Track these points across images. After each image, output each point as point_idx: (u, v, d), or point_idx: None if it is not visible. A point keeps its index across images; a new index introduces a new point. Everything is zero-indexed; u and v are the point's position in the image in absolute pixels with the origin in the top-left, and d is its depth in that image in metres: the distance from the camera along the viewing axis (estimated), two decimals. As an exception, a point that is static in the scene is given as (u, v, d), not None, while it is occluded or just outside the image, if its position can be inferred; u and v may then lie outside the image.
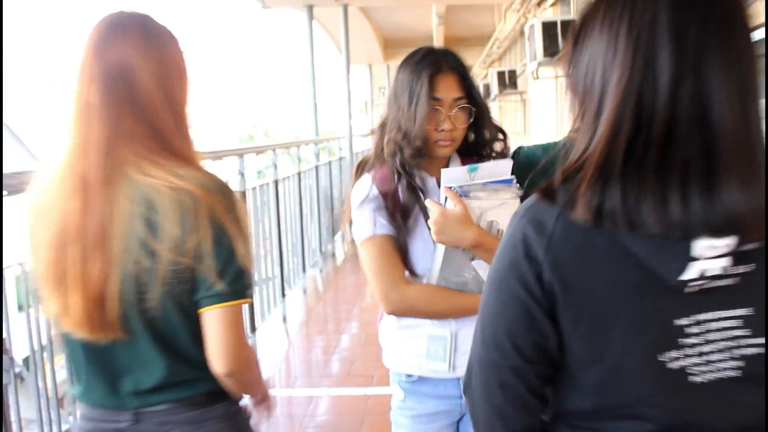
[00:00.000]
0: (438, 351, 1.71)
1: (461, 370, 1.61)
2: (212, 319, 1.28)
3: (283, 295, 5.93)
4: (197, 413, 1.36)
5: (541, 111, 11.50)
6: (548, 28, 7.15)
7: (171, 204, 1.23)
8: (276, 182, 5.87)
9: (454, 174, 1.60)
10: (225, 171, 4.68)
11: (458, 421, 1.82)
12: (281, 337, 5.48)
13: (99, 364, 1.32)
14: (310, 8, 9.26)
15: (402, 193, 1.68)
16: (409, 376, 1.78)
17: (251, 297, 1.36)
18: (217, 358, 1.29)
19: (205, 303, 1.27)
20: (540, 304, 0.96)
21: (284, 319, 5.81)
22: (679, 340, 0.93)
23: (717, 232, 0.88)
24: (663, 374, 0.93)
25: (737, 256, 0.89)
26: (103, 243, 1.24)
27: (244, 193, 4.80)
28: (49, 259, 1.27)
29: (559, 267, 0.94)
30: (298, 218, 6.67)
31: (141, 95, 1.28)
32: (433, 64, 1.64)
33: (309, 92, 9.40)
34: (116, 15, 1.30)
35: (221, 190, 1.30)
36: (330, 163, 8.72)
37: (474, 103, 1.69)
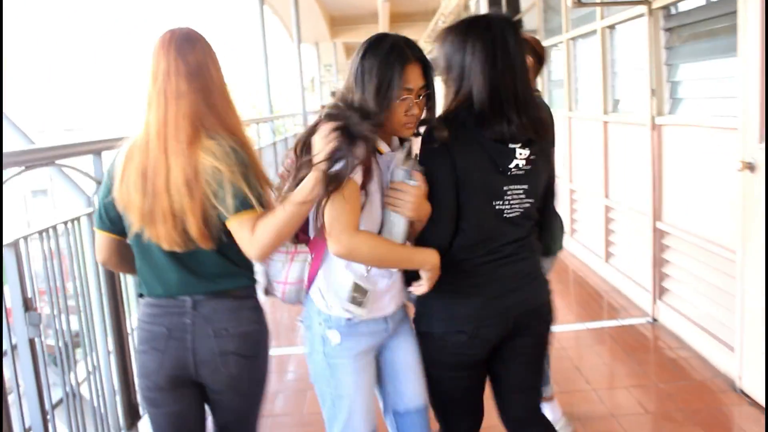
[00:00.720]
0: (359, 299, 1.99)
1: (390, 309, 2.07)
2: (232, 226, 1.86)
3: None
4: (236, 303, 2.01)
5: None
6: (494, 2, 7.43)
7: (219, 163, 1.84)
8: None
9: (400, 157, 1.99)
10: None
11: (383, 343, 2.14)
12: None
13: (173, 265, 1.95)
14: (262, -11, 9.45)
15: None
16: (349, 320, 1.99)
17: (256, 209, 1.86)
18: (246, 249, 1.87)
19: (226, 217, 1.86)
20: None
21: None
22: (503, 196, 1.99)
23: (523, 144, 1.96)
24: (494, 212, 2.00)
25: (528, 159, 1.97)
26: (188, 187, 1.82)
27: None
28: (138, 200, 1.87)
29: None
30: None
31: (210, 86, 1.91)
32: (403, 55, 1.91)
33: (262, 73, 9.60)
34: (184, 30, 1.93)
35: (237, 156, 1.87)
36: (286, 139, 8.96)
37: (432, 89, 1.99)
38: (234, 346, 1.99)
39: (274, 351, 4.38)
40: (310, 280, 2.02)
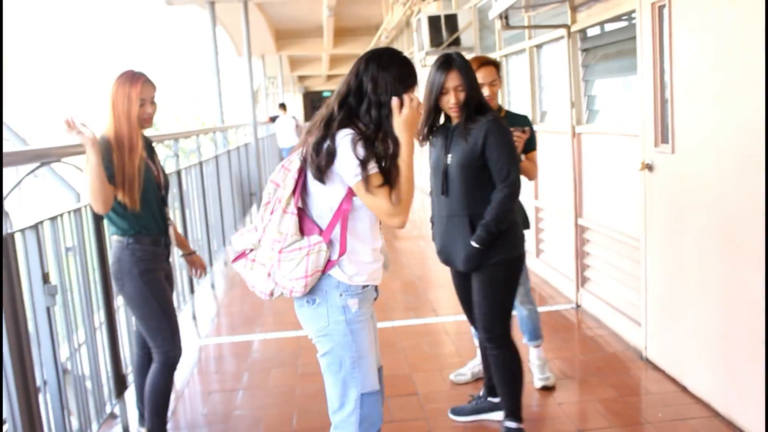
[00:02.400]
0: (380, 266, 2.40)
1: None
2: None
3: (211, 264, 6.51)
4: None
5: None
6: (433, 21, 7.90)
7: None
8: (201, 164, 6.45)
9: None
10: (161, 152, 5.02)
11: None
12: (211, 300, 6.18)
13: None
14: (212, 4, 9.80)
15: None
16: (365, 287, 2.31)
17: None
18: None
19: None
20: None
21: (212, 286, 6.51)
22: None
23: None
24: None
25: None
26: None
27: (179, 172, 5.40)
28: None
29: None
30: (218, 196, 7.29)
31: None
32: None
33: (214, 84, 9.96)
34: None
35: None
36: (238, 148, 9.33)
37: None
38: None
39: (238, 337, 4.88)
40: (333, 263, 2.25)
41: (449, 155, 3.01)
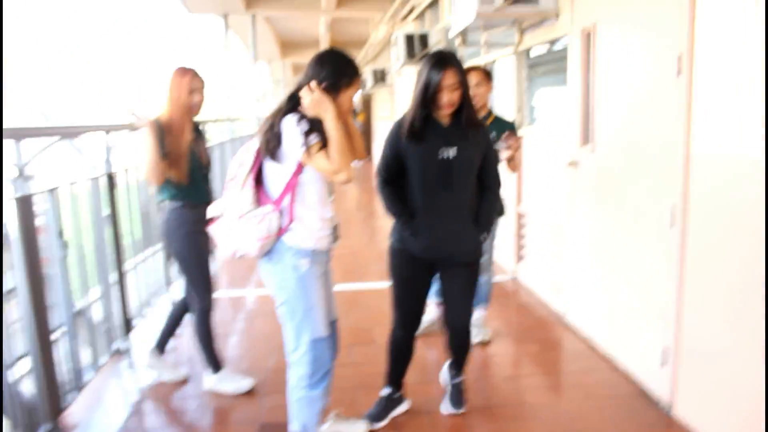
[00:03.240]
0: (329, 233, 2.41)
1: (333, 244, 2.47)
2: None
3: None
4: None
5: (402, 99, 12.36)
6: (408, 38, 7.89)
7: None
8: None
9: None
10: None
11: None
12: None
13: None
14: (226, 16, 9.71)
15: None
16: (314, 250, 2.32)
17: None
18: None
19: None
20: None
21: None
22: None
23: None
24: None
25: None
26: None
27: None
28: None
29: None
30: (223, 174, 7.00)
31: None
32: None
33: (225, 84, 9.88)
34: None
35: None
36: (241, 138, 9.27)
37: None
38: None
39: (234, 291, 4.87)
40: (285, 229, 2.27)
41: (450, 150, 2.51)
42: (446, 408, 2.97)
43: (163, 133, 2.90)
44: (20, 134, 2.37)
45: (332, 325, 2.55)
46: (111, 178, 3.40)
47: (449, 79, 2.43)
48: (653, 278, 3.01)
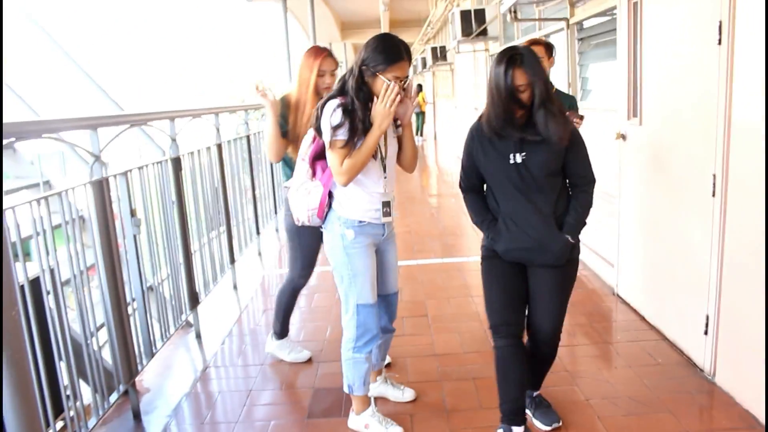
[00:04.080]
0: (379, 208, 2.52)
1: (385, 219, 2.53)
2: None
3: (258, 232, 5.94)
4: None
5: (462, 77, 12.36)
6: (464, 15, 7.94)
7: None
8: (248, 137, 5.80)
9: None
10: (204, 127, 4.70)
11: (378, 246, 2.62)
12: (275, 240, 6.39)
13: None
14: (285, 0, 9.97)
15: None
16: (360, 222, 2.48)
17: None
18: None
19: None
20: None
21: (276, 230, 6.65)
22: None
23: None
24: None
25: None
26: None
27: (220, 146, 4.75)
28: None
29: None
30: (268, 168, 6.53)
31: None
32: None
33: (285, 68, 10.15)
34: None
35: None
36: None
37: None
38: None
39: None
40: (325, 202, 2.48)
41: (519, 155, 2.36)
42: (539, 425, 2.70)
43: (287, 111, 3.01)
44: (95, 123, 2.65)
45: (389, 297, 2.75)
46: (177, 162, 3.67)
47: (518, 80, 2.25)
48: (696, 248, 3.06)
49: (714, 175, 2.85)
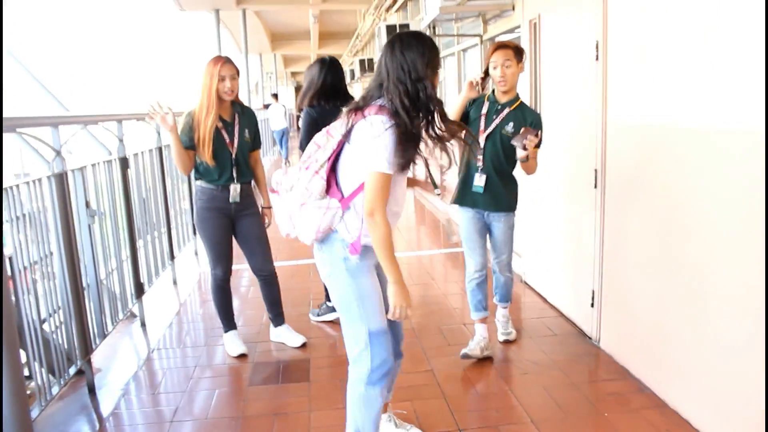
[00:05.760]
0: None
1: None
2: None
3: (195, 233, 6.01)
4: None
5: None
6: (390, 29, 8.43)
7: None
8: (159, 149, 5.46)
9: None
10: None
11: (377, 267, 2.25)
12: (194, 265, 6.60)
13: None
14: (218, 11, 10.26)
15: None
16: (365, 246, 2.12)
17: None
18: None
19: None
20: None
21: (196, 253, 6.29)
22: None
23: None
24: None
25: None
26: None
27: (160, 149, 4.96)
28: None
29: None
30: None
31: None
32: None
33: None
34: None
35: None
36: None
37: None
38: None
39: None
40: (362, 235, 2.12)
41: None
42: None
43: (192, 123, 3.23)
44: (56, 121, 2.98)
45: (395, 324, 2.42)
46: (124, 162, 4.00)
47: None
48: (583, 233, 3.63)
49: (596, 170, 3.42)
